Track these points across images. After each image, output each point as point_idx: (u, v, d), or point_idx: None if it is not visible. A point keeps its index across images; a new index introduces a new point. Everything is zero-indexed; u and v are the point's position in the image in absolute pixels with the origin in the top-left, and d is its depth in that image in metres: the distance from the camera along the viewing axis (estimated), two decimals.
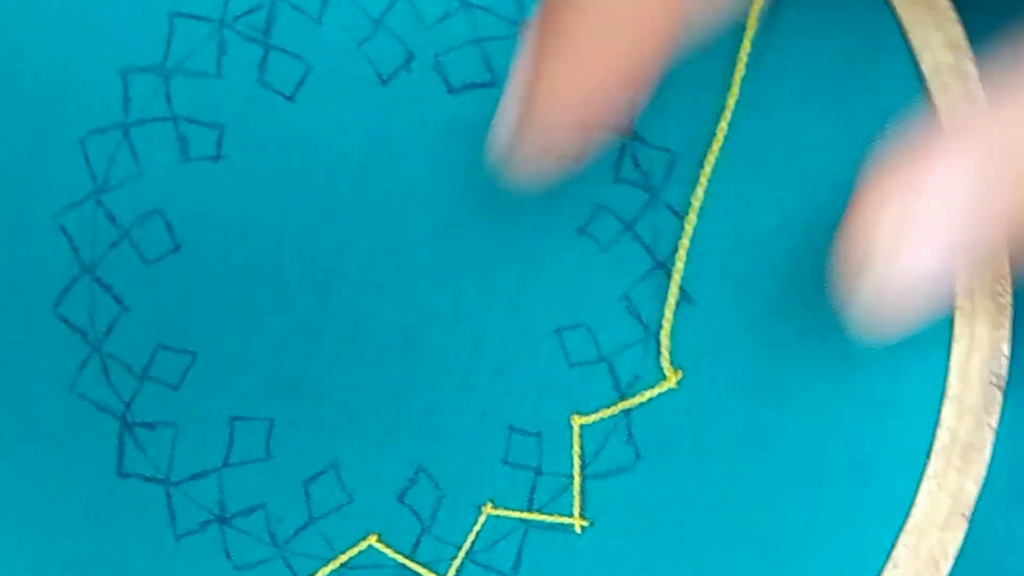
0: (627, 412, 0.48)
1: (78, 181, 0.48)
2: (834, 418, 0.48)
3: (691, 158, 0.49)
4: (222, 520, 0.48)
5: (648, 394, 0.48)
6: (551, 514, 0.49)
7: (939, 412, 0.48)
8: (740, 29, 0.48)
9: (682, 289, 0.49)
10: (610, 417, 0.48)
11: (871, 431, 0.48)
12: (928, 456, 0.48)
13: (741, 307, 0.48)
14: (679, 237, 0.49)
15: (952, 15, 0.48)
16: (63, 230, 0.48)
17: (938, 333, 0.48)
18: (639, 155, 0.49)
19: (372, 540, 0.49)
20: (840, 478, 0.48)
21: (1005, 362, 0.48)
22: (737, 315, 0.48)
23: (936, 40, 0.48)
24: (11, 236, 0.48)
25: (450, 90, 0.49)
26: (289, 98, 0.48)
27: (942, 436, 0.48)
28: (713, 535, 0.48)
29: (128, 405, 0.48)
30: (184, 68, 0.48)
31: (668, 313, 0.48)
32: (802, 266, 0.48)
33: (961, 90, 0.48)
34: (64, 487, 0.48)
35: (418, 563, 0.49)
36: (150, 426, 0.48)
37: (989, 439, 0.48)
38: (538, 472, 0.49)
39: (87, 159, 0.48)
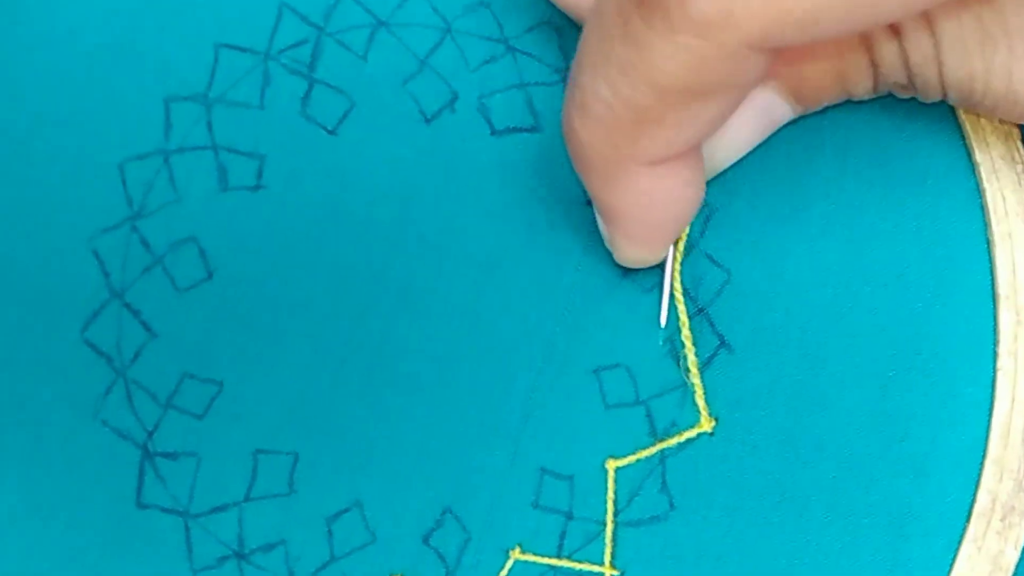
0: (662, 459, 0.47)
1: (114, 206, 0.48)
2: (871, 475, 0.47)
3: (727, 211, 0.48)
4: (240, 556, 0.47)
5: (685, 435, 0.47)
6: (581, 561, 0.47)
7: (979, 474, 0.47)
8: None
9: (722, 338, 0.48)
10: (645, 462, 0.47)
11: (909, 491, 0.47)
12: (968, 519, 0.47)
13: (779, 358, 0.48)
14: (720, 285, 0.48)
15: None
16: (95, 254, 0.48)
17: (980, 393, 0.48)
18: None
19: None
20: (877, 538, 0.47)
21: None
22: (775, 366, 0.48)
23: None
24: (44, 258, 0.48)
25: (493, 132, 0.49)
26: (331, 132, 0.48)
27: (982, 499, 0.47)
28: None
29: (151, 434, 0.47)
30: (227, 98, 0.48)
31: (691, 355, 0.48)
32: (841, 320, 0.48)
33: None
34: (81, 514, 0.47)
35: None
36: (172, 456, 0.47)
37: None
38: (569, 517, 0.47)
39: (125, 184, 0.48)
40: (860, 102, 0.47)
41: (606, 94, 0.39)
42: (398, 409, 0.47)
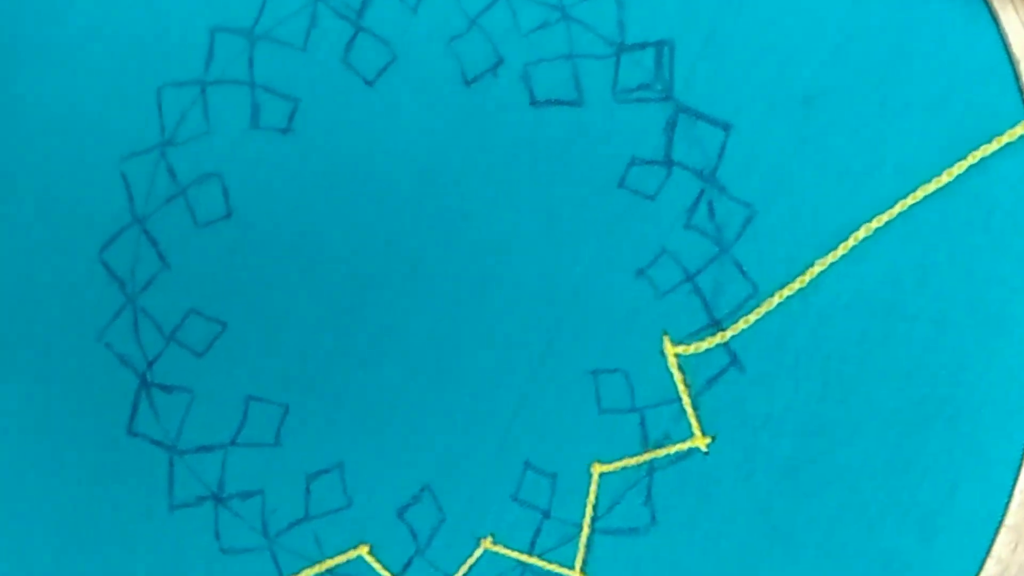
0: (650, 471, 0.45)
1: (148, 131, 0.47)
2: (874, 524, 0.44)
3: (770, 217, 0.45)
4: (218, 499, 0.47)
5: (675, 448, 0.45)
6: (552, 562, 0.46)
7: (992, 540, 0.44)
8: None
9: (734, 355, 0.45)
10: (632, 471, 0.45)
11: (913, 548, 0.44)
12: None
13: (795, 385, 0.45)
14: (742, 300, 0.45)
15: None
16: (123, 177, 0.47)
17: (1009, 455, 0.44)
18: (716, 204, 0.45)
19: (363, 551, 0.46)
20: None
21: None
22: (789, 393, 0.45)
23: None
24: (73, 175, 0.48)
25: (533, 102, 0.46)
26: (370, 83, 0.47)
27: (990, 567, 0.44)
28: None
29: (151, 364, 0.47)
30: (272, 35, 0.47)
31: (675, 372, 0.45)
32: (870, 355, 0.45)
33: None
34: (73, 433, 0.47)
35: None
36: (167, 389, 0.47)
37: None
38: (546, 515, 0.46)
39: (160, 110, 0.47)
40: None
41: None
42: (394, 378, 0.46)
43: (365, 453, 0.46)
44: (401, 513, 0.46)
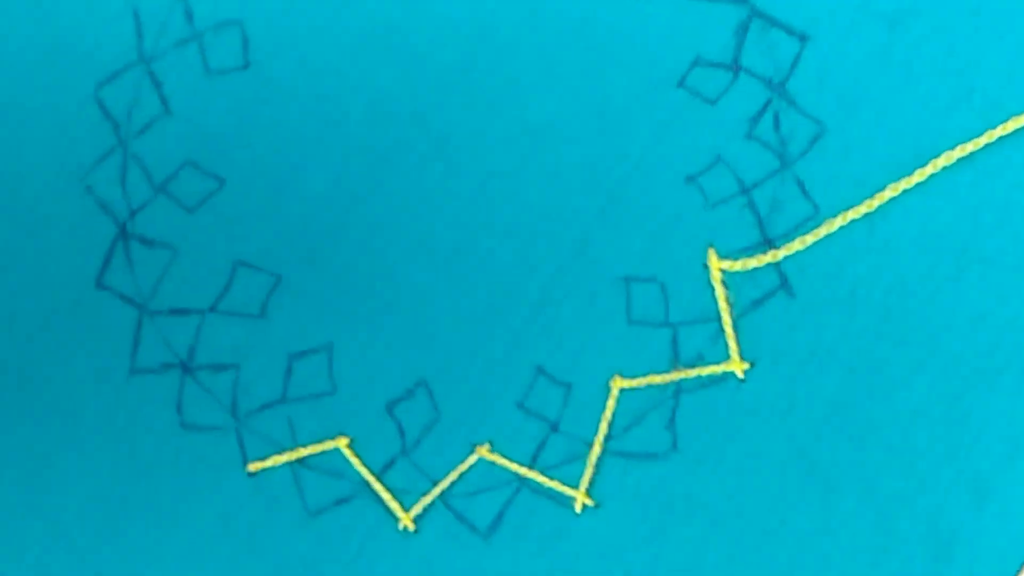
0: (677, 392, 0.40)
1: None
2: (921, 481, 0.39)
3: (841, 137, 0.41)
4: (186, 368, 0.41)
5: (708, 370, 0.40)
6: (553, 479, 0.40)
7: None
8: None
9: (784, 278, 0.40)
10: (657, 390, 0.40)
11: (962, 513, 0.39)
12: None
13: (850, 320, 0.40)
14: (800, 220, 0.41)
15: None
16: (135, 14, 0.43)
17: None
18: (782, 116, 0.41)
19: (341, 443, 0.41)
20: (912, 553, 0.39)
21: None
22: (841, 327, 0.40)
23: None
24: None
25: None
26: None
27: None
28: (733, 556, 0.39)
29: (133, 214, 0.42)
30: None
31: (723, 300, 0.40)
32: (936, 297, 0.40)
33: None
34: (35, 277, 0.42)
35: (384, 486, 0.41)
36: (148, 243, 0.42)
37: None
38: (554, 428, 0.40)
39: None
40: None
41: None
42: (399, 258, 0.41)
43: (358, 336, 0.41)
44: (390, 407, 0.41)
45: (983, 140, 0.41)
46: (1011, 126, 0.41)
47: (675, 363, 0.40)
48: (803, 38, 0.41)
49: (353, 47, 0.42)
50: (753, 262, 0.41)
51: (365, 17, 0.43)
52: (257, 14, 0.43)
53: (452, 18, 0.42)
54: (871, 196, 0.41)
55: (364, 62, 0.42)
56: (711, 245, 0.41)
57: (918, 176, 0.41)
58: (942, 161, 0.41)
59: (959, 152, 0.40)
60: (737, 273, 0.41)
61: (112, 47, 0.43)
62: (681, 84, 0.42)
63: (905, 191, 0.41)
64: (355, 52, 0.42)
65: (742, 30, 0.42)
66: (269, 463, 0.41)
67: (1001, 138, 0.40)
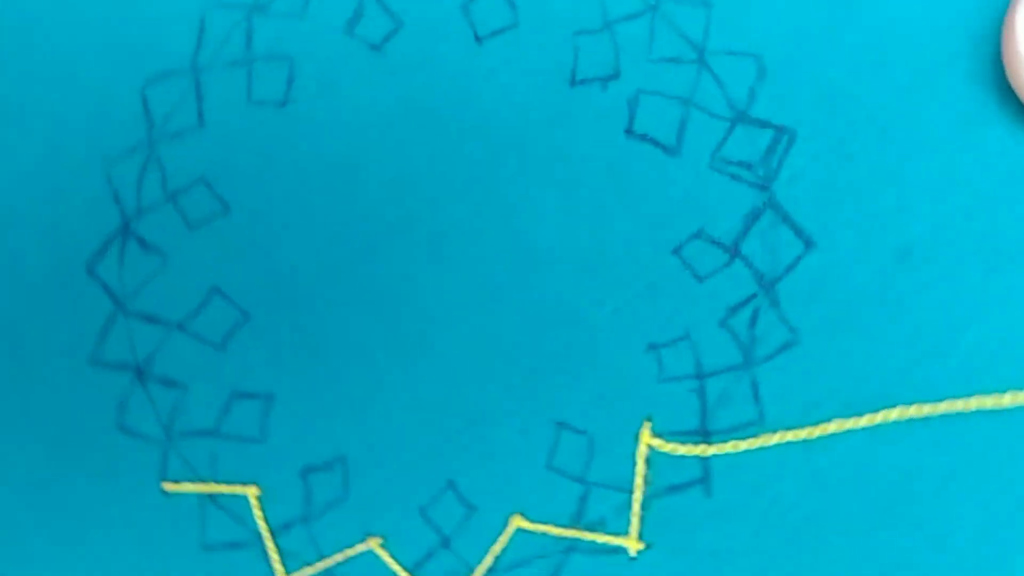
0: (569, 549, 0.41)
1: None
2: None
3: (811, 355, 0.41)
4: (140, 373, 0.44)
5: (603, 538, 0.41)
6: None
7: None
8: None
9: (707, 474, 0.41)
10: (551, 539, 0.41)
11: None
12: None
13: (755, 536, 0.40)
14: (742, 423, 0.41)
15: None
16: (201, 22, 0.45)
17: None
18: (761, 315, 0.41)
19: (251, 492, 0.43)
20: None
21: None
22: (746, 540, 0.40)
23: None
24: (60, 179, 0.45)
25: (628, 132, 0.43)
26: (376, 47, 0.44)
27: None
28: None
29: (140, 213, 0.44)
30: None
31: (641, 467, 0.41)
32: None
33: None
34: (39, 249, 0.44)
35: (275, 544, 0.42)
36: (145, 245, 0.44)
37: None
38: (444, 544, 0.42)
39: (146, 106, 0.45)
40: None
41: None
42: (354, 323, 0.43)
43: (299, 392, 0.43)
44: (304, 472, 0.43)
45: (942, 408, 0.40)
46: (975, 404, 0.40)
47: (576, 520, 0.41)
48: (809, 244, 0.41)
49: (384, 116, 0.43)
50: (682, 449, 0.41)
51: (405, 92, 0.43)
52: (310, 57, 0.44)
53: (485, 129, 0.43)
54: (816, 424, 0.41)
55: (391, 134, 0.43)
56: (649, 418, 0.41)
57: (867, 420, 0.40)
58: (894, 414, 0.40)
59: (914, 411, 0.40)
60: (664, 453, 0.41)
61: (171, 48, 0.45)
62: (676, 252, 0.42)
63: (849, 431, 0.40)
64: (385, 121, 0.43)
65: (752, 216, 0.42)
66: (183, 488, 0.43)
67: (963, 413, 0.40)
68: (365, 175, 0.43)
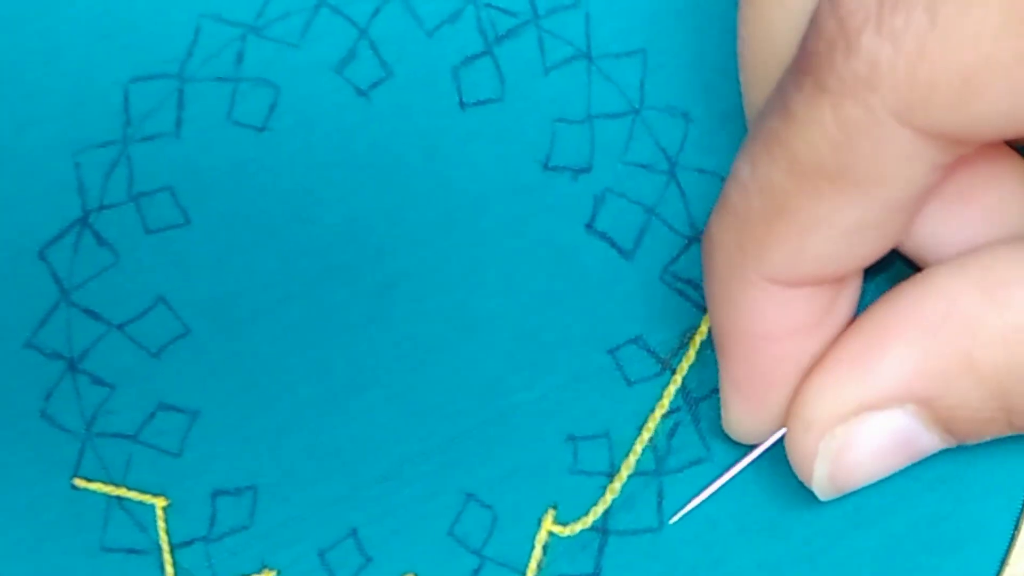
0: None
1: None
2: None
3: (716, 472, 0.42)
4: (72, 366, 0.44)
5: None
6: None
7: None
8: None
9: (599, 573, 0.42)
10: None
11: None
12: None
13: None
14: (641, 528, 0.42)
15: None
16: (196, 31, 0.45)
17: None
18: (681, 429, 0.43)
19: (159, 503, 0.44)
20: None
21: None
22: None
23: None
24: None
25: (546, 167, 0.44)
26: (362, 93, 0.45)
27: None
28: None
29: (101, 208, 0.45)
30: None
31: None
32: None
33: None
34: None
35: (172, 559, 0.43)
36: (100, 240, 0.45)
37: None
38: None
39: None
40: None
41: (745, 175, 0.36)
42: (286, 353, 0.44)
43: (226, 409, 0.44)
44: (215, 495, 0.44)
45: None
46: None
47: None
48: None
49: (356, 160, 0.44)
50: (579, 526, 0.43)
51: (381, 141, 0.45)
52: (296, 89, 0.45)
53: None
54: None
55: (359, 178, 0.44)
56: (555, 506, 0.43)
57: None
58: None
59: None
60: (562, 542, 0.43)
61: (162, 51, 0.45)
62: (612, 352, 0.43)
63: None
64: (356, 164, 0.44)
65: (689, 335, 0.43)
66: (93, 486, 0.44)
67: None
68: (326, 215, 0.44)
